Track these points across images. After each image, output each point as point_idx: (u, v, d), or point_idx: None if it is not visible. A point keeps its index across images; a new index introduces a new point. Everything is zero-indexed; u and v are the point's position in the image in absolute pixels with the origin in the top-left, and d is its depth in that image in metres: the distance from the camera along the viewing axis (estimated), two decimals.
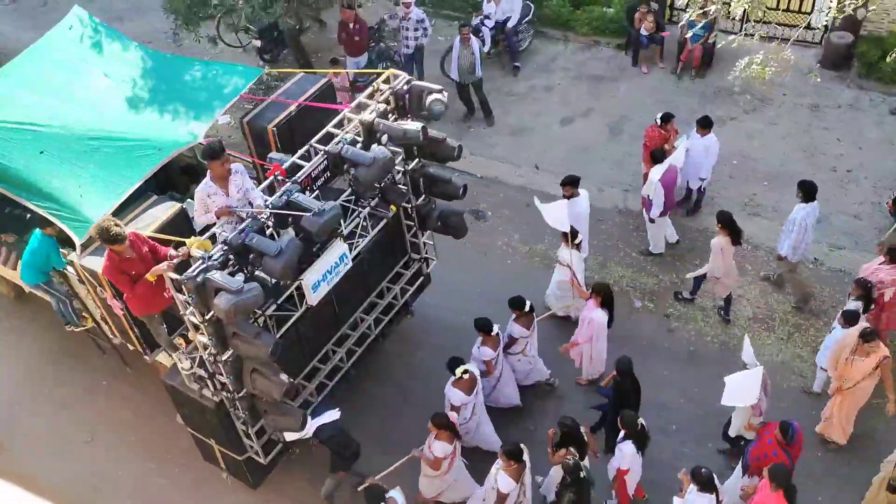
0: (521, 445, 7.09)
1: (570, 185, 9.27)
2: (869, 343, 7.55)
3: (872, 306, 8.25)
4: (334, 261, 7.11)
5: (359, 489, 7.40)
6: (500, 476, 7.04)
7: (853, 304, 8.09)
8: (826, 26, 11.97)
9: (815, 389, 8.62)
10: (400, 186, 7.85)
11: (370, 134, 7.24)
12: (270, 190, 6.90)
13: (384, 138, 7.25)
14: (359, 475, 7.67)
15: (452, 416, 7.55)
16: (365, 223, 7.58)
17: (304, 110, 8.12)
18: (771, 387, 7.78)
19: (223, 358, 6.49)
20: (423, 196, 8.23)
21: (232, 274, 6.15)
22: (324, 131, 7.34)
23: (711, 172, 10.35)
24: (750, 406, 7.16)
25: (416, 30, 12.44)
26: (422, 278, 9.01)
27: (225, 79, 8.47)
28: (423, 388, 8.71)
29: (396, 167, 7.67)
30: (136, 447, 8.85)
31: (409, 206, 8.23)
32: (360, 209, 7.41)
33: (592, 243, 10.45)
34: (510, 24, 13.20)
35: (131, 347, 8.32)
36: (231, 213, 6.76)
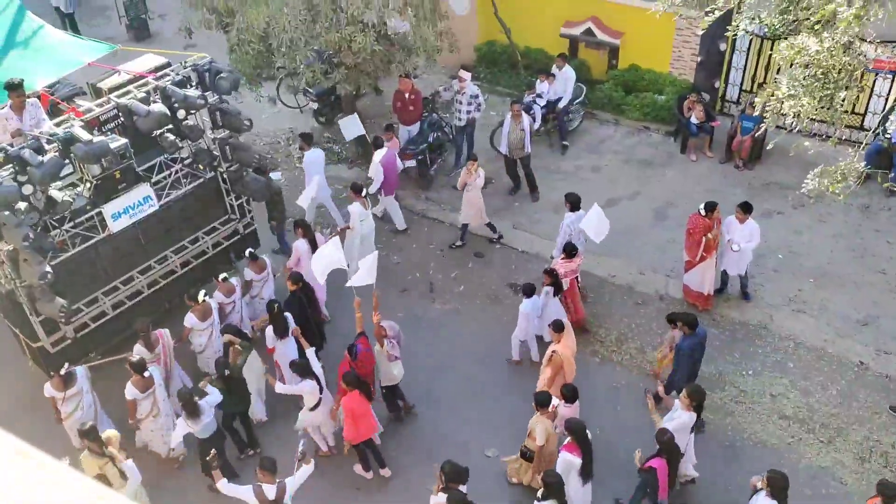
0: (143, 358, 8.13)
1: (306, 142, 11.49)
2: (556, 333, 8.59)
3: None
4: (137, 199, 8.87)
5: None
6: (128, 385, 8.09)
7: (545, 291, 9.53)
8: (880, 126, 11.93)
9: (515, 357, 9.86)
10: (214, 152, 9.62)
11: (164, 96, 8.97)
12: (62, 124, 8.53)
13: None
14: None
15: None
16: (185, 180, 9.57)
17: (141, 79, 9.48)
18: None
19: (2, 248, 8.02)
20: (233, 164, 9.84)
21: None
22: (124, 89, 9.08)
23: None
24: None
25: (469, 104, 12.73)
26: (237, 237, 10.51)
27: (80, 48, 10.33)
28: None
29: (210, 135, 9.63)
30: None
31: (222, 170, 9.90)
32: (174, 165, 9.38)
33: (631, 326, 10.33)
34: (561, 104, 13.45)
35: None
36: (21, 135, 8.45)
